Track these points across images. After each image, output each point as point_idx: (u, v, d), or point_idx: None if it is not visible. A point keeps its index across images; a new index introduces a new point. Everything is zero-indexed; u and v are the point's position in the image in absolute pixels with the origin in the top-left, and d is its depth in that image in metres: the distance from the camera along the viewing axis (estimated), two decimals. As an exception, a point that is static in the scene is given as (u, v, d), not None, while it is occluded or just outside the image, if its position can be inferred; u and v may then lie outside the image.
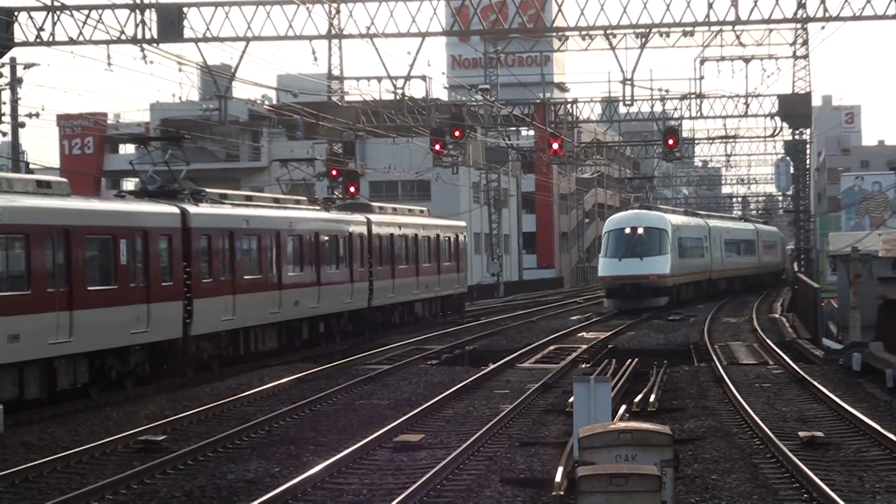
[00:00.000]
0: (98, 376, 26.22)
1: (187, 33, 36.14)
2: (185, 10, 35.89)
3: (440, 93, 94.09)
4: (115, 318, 26.50)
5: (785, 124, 61.32)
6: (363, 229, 41.25)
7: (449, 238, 50.81)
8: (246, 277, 32.25)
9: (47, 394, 24.46)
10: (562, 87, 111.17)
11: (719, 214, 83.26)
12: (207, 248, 30.42)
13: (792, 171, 78.70)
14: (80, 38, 35.60)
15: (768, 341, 38.69)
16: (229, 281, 31.35)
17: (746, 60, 57.90)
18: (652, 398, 24.93)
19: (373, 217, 42.60)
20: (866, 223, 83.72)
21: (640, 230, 55.08)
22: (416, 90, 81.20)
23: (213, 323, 30.54)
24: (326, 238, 38.07)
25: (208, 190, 32.77)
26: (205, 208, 31.02)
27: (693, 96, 57.78)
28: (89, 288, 25.65)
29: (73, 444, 20.76)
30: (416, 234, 46.65)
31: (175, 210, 29.40)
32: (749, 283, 77.33)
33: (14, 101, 50.33)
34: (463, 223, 56.93)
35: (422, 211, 50.91)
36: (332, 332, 38.93)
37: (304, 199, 40.01)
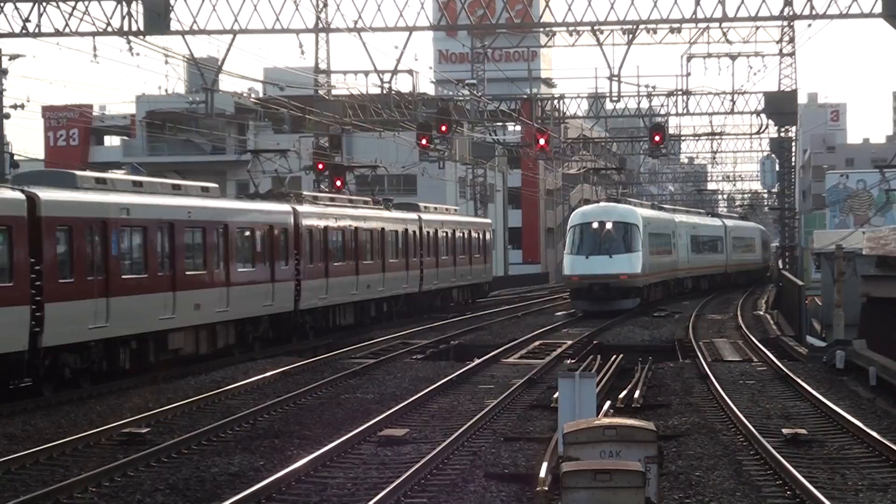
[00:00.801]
0: (241, 339, 33.73)
1: (174, 26, 36.02)
2: (171, 2, 35.79)
3: (427, 87, 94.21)
4: (252, 294, 34.15)
5: (771, 122, 61.38)
6: (416, 226, 49.73)
7: (479, 234, 59.54)
8: (335, 264, 40.43)
9: (213, 350, 32.08)
10: (549, 83, 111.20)
11: (685, 209, 76.34)
12: (309, 239, 38.32)
13: (777, 168, 78.91)
14: (67, 30, 35.46)
15: (753, 338, 38.78)
16: (325, 267, 39.50)
17: (733, 57, 57.99)
18: (637, 394, 24.97)
19: (423, 216, 51.16)
20: (850, 221, 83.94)
21: (609, 225, 50.56)
22: (403, 85, 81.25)
23: (314, 300, 38.63)
24: (389, 233, 46.16)
25: (305, 193, 41.27)
26: (307, 207, 39.02)
27: (680, 93, 57.83)
28: (239, 269, 33.37)
29: (57, 435, 20.72)
30: (455, 231, 55.26)
31: (288, 208, 37.36)
32: (717, 283, 73.05)
33: (-1, 92, 50.15)
34: (489, 220, 67.32)
35: (456, 210, 60.52)
36: (392, 312, 46.92)
37: (369, 199, 47.53)
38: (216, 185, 34.76)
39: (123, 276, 27.95)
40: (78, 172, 29.11)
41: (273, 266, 35.41)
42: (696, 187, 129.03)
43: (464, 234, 56.80)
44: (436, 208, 55.30)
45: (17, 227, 24.45)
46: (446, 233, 53.94)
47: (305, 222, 38.02)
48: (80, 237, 26.49)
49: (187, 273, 30.45)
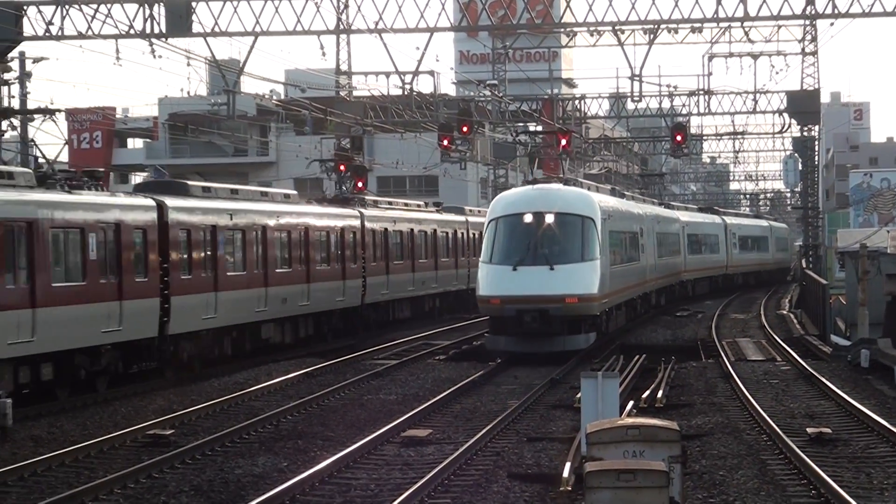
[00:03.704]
0: (317, 330, 37.59)
1: (196, 28, 36.13)
2: (193, 4, 35.90)
3: (448, 88, 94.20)
4: (328, 290, 37.90)
5: (793, 121, 61.13)
6: (463, 228, 53.38)
7: None
8: (394, 263, 44.17)
9: (295, 339, 35.89)
10: (570, 83, 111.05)
11: (653, 200, 58.84)
12: (372, 240, 42.12)
13: (800, 167, 78.62)
14: (89, 33, 35.61)
15: (776, 338, 38.68)
16: (386, 265, 43.41)
17: (755, 57, 57.82)
18: (660, 394, 24.92)
19: (469, 218, 54.55)
20: (875, 220, 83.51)
21: (550, 218, 33.01)
22: (424, 85, 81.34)
23: (377, 296, 42.55)
24: (441, 234, 49.89)
25: (367, 197, 44.65)
26: (371, 211, 42.88)
27: (701, 92, 57.67)
28: (317, 268, 37.00)
29: (82, 437, 20.81)
30: None
31: (356, 213, 41.41)
32: (717, 286, 64.63)
33: (23, 96, 50.37)
34: None
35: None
36: (442, 307, 50.47)
37: (422, 203, 51.70)
38: (295, 192, 39.60)
39: (228, 274, 31.59)
40: (190, 182, 32.91)
41: (344, 264, 39.43)
42: (719, 187, 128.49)
43: None
44: (479, 211, 57.60)
45: (149, 230, 28.10)
46: None
47: (369, 225, 42.07)
48: (197, 239, 30.16)
49: (277, 271, 34.21)
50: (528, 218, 33.07)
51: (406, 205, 49.29)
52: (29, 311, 23.69)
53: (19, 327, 23.45)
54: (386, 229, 43.78)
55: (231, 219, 31.73)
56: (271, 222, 34.00)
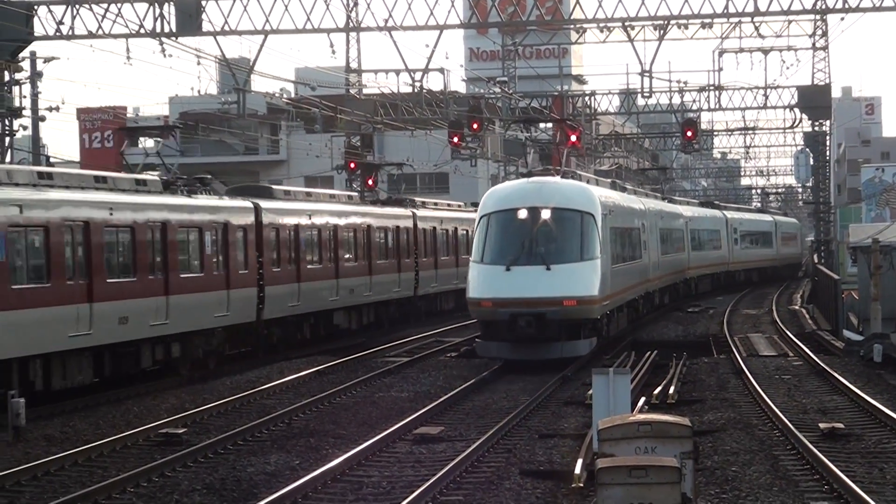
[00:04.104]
0: (377, 318, 41.61)
1: (205, 27, 36.18)
2: (203, 3, 35.95)
3: (458, 85, 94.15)
4: (387, 282, 41.98)
5: (804, 116, 61.04)
6: None
7: None
8: (442, 258, 48.17)
9: (360, 326, 39.87)
10: (580, 80, 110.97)
11: (655, 194, 56.25)
12: (423, 238, 46.14)
13: (812, 162, 78.45)
14: (100, 32, 35.67)
15: (788, 333, 38.62)
16: (434, 260, 47.34)
17: (765, 52, 57.69)
18: (671, 390, 24.90)
19: None
20: (887, 214, 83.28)
21: (546, 213, 30.84)
22: (434, 83, 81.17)
23: (427, 288, 46.35)
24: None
25: (417, 199, 48.99)
26: (422, 211, 46.98)
27: (712, 88, 57.61)
28: (378, 262, 40.95)
29: (95, 437, 20.85)
30: None
31: (409, 212, 45.38)
32: (721, 282, 62.69)
33: (34, 95, 50.46)
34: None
35: None
36: None
37: (462, 203, 55.63)
38: (356, 193, 44.09)
39: (307, 267, 35.38)
40: (273, 186, 36.77)
41: (399, 259, 43.27)
42: (730, 182, 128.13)
43: None
44: None
45: (249, 229, 32.00)
46: None
47: (421, 224, 46.06)
48: (284, 236, 33.99)
49: (345, 265, 38.21)
50: (523, 214, 30.78)
51: (449, 205, 54.00)
52: (164, 299, 27.76)
53: (157, 312, 27.46)
54: (434, 228, 47.68)
55: (309, 218, 35.80)
56: (341, 221, 38.10)
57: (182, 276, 28.55)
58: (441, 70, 50.13)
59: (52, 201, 24.42)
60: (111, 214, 26.01)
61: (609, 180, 43.09)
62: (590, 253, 30.68)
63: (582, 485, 15.92)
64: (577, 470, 16.33)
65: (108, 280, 25.70)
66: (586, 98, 62.91)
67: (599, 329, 31.87)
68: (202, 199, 30.07)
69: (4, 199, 23.13)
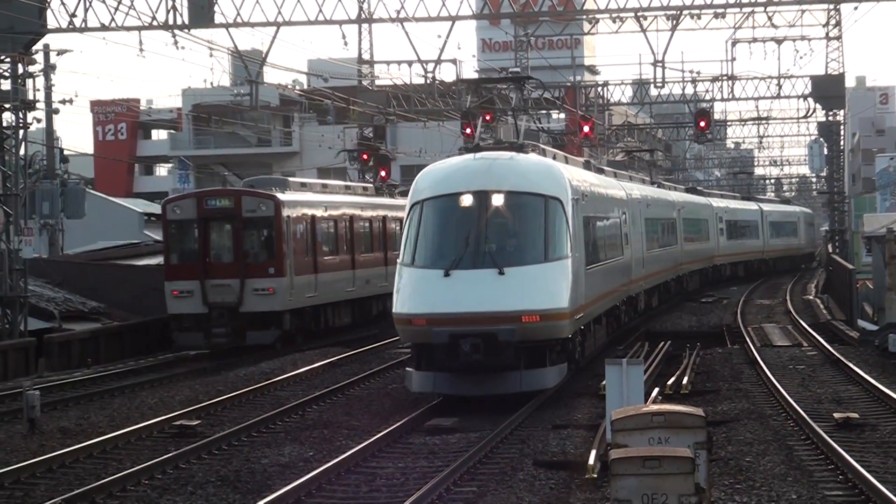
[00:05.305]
0: None
1: (218, 19, 36.18)
2: (215, -5, 35.92)
3: (470, 76, 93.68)
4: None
5: (818, 105, 60.84)
6: None
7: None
8: None
9: None
10: (592, 70, 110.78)
11: (641, 178, 46.17)
12: None
13: (826, 152, 78.22)
14: (113, 25, 35.70)
15: (802, 323, 38.53)
16: None
17: (778, 42, 57.50)
18: (685, 380, 24.87)
19: None
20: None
21: (500, 199, 22.95)
22: (446, 74, 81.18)
23: None
24: None
25: None
26: None
27: (725, 78, 57.43)
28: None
29: (109, 428, 20.92)
30: None
31: None
32: (707, 279, 55.73)
33: (48, 88, 50.58)
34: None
35: None
36: None
37: None
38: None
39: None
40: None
41: None
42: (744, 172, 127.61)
43: None
44: None
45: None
46: None
47: None
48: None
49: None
50: (467, 200, 22.79)
51: None
52: (384, 269, 38.64)
53: (382, 278, 38.89)
54: None
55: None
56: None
57: (394, 252, 33.98)
58: (453, 61, 50.12)
59: (334, 203, 37.01)
60: (362, 211, 37.87)
61: (582, 160, 35.09)
62: (557, 251, 22.82)
63: (595, 475, 15.92)
64: (591, 461, 16.34)
65: (360, 256, 37.99)
66: (599, 88, 62.77)
67: (571, 351, 23.71)
68: (386, 199, 41.10)
69: (313, 201, 35.82)
